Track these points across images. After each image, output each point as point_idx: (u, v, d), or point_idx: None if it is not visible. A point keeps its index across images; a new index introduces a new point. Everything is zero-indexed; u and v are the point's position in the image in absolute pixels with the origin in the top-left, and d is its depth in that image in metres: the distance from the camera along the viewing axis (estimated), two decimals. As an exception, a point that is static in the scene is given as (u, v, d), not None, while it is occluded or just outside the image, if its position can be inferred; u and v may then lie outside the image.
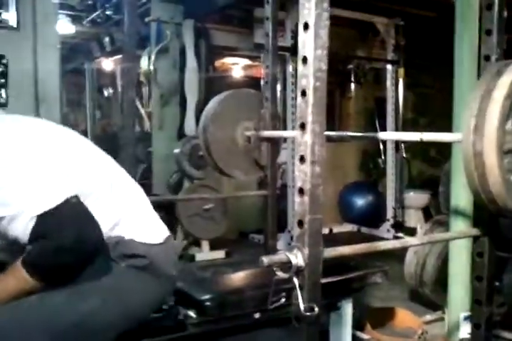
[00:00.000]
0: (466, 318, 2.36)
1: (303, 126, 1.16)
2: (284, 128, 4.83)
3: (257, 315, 1.91)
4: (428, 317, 3.23)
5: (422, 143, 6.07)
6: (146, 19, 5.31)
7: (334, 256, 1.26)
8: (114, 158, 1.74)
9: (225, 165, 2.64)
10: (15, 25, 3.17)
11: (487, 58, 1.63)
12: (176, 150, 4.91)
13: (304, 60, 1.16)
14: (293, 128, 5.13)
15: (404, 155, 6.21)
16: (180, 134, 5.33)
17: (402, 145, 6.14)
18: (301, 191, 1.17)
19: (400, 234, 5.77)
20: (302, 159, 1.17)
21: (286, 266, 1.15)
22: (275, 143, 2.72)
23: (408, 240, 1.76)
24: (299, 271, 1.15)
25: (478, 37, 1.78)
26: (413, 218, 6.19)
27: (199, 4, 5.28)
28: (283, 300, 1.45)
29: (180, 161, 4.90)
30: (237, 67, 7.87)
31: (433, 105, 6.74)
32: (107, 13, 6.14)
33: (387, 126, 6.03)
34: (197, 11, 5.38)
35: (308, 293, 1.16)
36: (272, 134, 2.63)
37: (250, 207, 5.33)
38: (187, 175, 4.99)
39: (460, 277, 2.53)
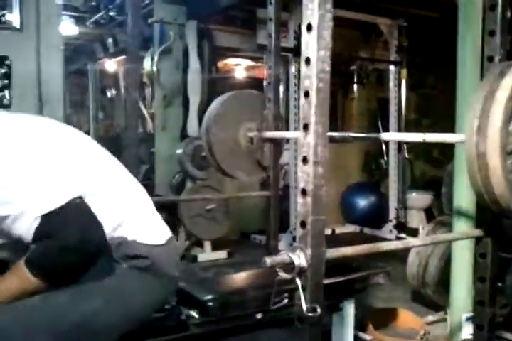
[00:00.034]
0: (468, 319, 2.35)
1: (306, 127, 1.17)
2: (287, 129, 4.83)
3: (259, 316, 1.91)
4: (430, 317, 3.23)
5: (424, 144, 6.08)
6: (149, 20, 5.31)
7: (337, 257, 1.26)
8: (117, 159, 1.74)
9: (227, 165, 2.64)
10: (18, 27, 3.17)
11: (490, 59, 1.63)
12: (179, 151, 4.92)
13: (307, 61, 1.16)
14: (295, 129, 5.13)
15: (406, 155, 6.21)
16: (183, 135, 5.33)
17: (405, 146, 6.14)
18: (303, 192, 1.17)
19: (403, 235, 5.77)
20: (305, 160, 1.17)
21: (289, 266, 1.15)
22: (278, 144, 2.72)
23: (410, 241, 1.77)
24: (301, 272, 1.15)
25: (481, 38, 1.78)
26: (415, 219, 6.18)
27: (202, 5, 5.29)
28: (285, 300, 1.45)
29: (182, 162, 4.90)
30: (239, 68, 7.87)
31: (436, 106, 6.72)
32: (111, 14, 6.15)
33: (389, 126, 6.02)
34: (200, 12, 5.38)
35: (310, 294, 1.16)
36: (274, 135, 2.63)
37: (252, 208, 5.33)
38: (189, 175, 4.99)
39: (462, 278, 2.53)
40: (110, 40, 6.88)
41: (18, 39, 3.16)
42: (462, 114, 2.43)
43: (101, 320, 1.49)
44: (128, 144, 3.30)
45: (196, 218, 4.68)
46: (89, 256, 1.45)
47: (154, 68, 5.24)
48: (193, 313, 1.82)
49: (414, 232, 5.45)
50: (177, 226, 4.64)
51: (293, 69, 5.39)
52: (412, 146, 6.31)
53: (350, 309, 2.27)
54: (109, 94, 9.19)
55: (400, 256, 3.09)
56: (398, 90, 6.00)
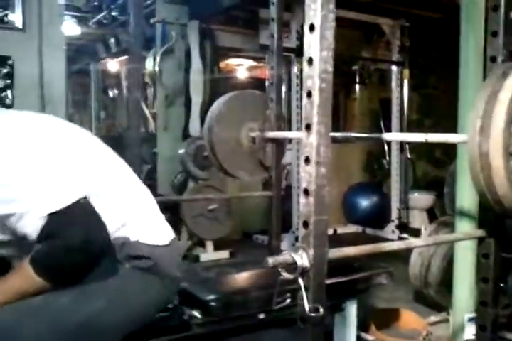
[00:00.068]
0: (470, 320, 2.35)
1: (308, 127, 1.17)
2: (289, 129, 4.83)
3: (261, 316, 1.91)
4: (433, 318, 3.22)
5: (426, 144, 6.07)
6: (152, 20, 5.32)
7: (339, 257, 1.26)
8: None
9: (229, 165, 2.64)
10: (21, 27, 3.18)
11: (493, 59, 1.63)
12: (181, 151, 4.92)
13: (310, 61, 1.16)
14: (298, 129, 5.13)
15: (408, 156, 6.20)
16: (185, 135, 5.33)
17: (407, 146, 6.14)
18: (306, 192, 1.17)
19: (405, 235, 5.76)
20: (307, 160, 1.17)
21: (291, 266, 1.15)
22: (280, 144, 2.72)
23: (413, 241, 1.77)
24: (304, 272, 1.15)
25: (483, 38, 1.78)
26: (418, 219, 6.18)
27: (204, 5, 5.29)
28: (288, 300, 1.45)
29: (184, 162, 4.90)
30: (242, 68, 7.88)
31: (438, 106, 6.72)
32: (113, 14, 6.16)
33: (392, 127, 6.02)
34: (202, 12, 5.38)
35: (313, 294, 1.16)
36: (276, 135, 2.63)
37: (254, 208, 5.33)
38: (191, 175, 5.00)
39: (465, 278, 2.53)
40: (112, 40, 6.90)
41: (21, 39, 3.17)
42: (464, 115, 2.43)
43: (104, 320, 1.49)
44: (130, 144, 3.30)
45: (198, 218, 4.68)
46: (93, 257, 1.45)
47: (156, 68, 5.25)
48: (196, 313, 1.82)
49: (416, 232, 5.45)
50: (179, 226, 4.65)
51: (295, 69, 5.39)
52: (415, 146, 6.31)
53: (352, 309, 2.27)
54: (111, 94, 9.20)
55: (402, 256, 3.09)
56: (400, 90, 6.00)
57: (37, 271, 1.40)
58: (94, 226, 1.45)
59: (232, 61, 7.40)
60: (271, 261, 1.14)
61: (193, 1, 5.37)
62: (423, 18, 5.70)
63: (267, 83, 2.85)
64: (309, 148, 1.16)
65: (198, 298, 1.87)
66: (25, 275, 1.42)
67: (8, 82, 3.17)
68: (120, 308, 1.53)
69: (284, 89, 5.52)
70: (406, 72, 5.98)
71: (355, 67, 6.74)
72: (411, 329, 3.13)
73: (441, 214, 5.34)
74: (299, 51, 5.20)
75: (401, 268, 3.18)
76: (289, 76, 5.59)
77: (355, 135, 2.80)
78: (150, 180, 5.46)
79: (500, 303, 1.66)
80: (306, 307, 1.14)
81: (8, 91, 3.15)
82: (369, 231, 6.24)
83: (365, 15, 5.74)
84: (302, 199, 1.18)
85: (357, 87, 6.94)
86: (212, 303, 1.84)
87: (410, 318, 3.21)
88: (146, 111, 5.53)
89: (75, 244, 1.39)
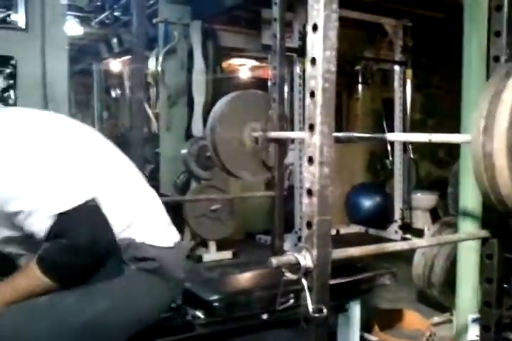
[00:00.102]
0: (474, 320, 2.35)
1: (311, 128, 1.16)
2: (292, 130, 4.83)
3: (264, 316, 1.91)
4: (436, 319, 3.22)
5: (430, 144, 6.06)
6: (154, 20, 5.31)
7: (343, 258, 1.25)
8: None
9: (232, 166, 2.64)
10: (23, 27, 3.19)
11: (496, 59, 1.62)
12: (184, 151, 4.92)
13: (313, 61, 1.16)
14: (300, 129, 5.13)
15: (411, 156, 6.20)
16: (188, 135, 5.33)
17: (410, 146, 6.13)
18: (309, 192, 1.17)
19: (408, 236, 5.76)
20: (311, 160, 1.16)
21: (295, 267, 1.15)
22: (283, 144, 2.71)
23: (416, 241, 1.76)
24: (307, 272, 1.15)
25: (486, 38, 1.77)
26: (421, 219, 6.17)
27: (207, 5, 5.29)
28: (291, 301, 1.45)
29: (187, 162, 4.90)
30: (244, 68, 7.88)
31: (441, 106, 6.71)
32: (115, 14, 6.16)
33: (394, 127, 6.02)
34: (204, 12, 5.38)
35: (316, 295, 1.15)
36: (279, 135, 2.62)
37: (257, 208, 5.33)
38: (194, 175, 5.00)
39: (468, 279, 2.52)
40: (115, 40, 6.90)
41: (24, 39, 3.18)
42: (468, 115, 2.42)
43: (109, 320, 1.50)
44: (133, 144, 3.30)
45: (201, 218, 4.68)
46: (98, 258, 1.46)
47: (159, 68, 5.25)
48: (199, 313, 1.82)
49: (419, 233, 5.44)
50: (182, 226, 4.65)
51: (297, 69, 5.39)
52: (418, 146, 6.30)
53: (355, 310, 2.26)
54: (113, 94, 9.21)
55: (406, 256, 3.08)
56: (403, 90, 5.99)
57: (43, 270, 1.41)
58: (101, 227, 1.45)
59: (234, 61, 7.40)
60: (274, 261, 1.13)
61: (196, 1, 5.37)
62: (426, 18, 5.69)
63: (269, 83, 2.84)
64: (312, 148, 1.16)
65: (201, 298, 1.87)
66: (31, 275, 1.42)
67: (11, 82, 3.17)
68: (125, 309, 1.53)
69: (286, 89, 5.52)
70: (409, 72, 5.97)
71: (358, 67, 6.73)
72: (414, 329, 3.13)
73: (444, 214, 5.34)
74: (301, 51, 5.19)
75: (404, 269, 3.18)
76: (291, 76, 5.59)
77: (358, 135, 2.79)
78: (153, 180, 5.45)
79: (504, 304, 1.65)
80: (310, 307, 1.14)
81: (11, 92, 3.16)
82: (372, 231, 6.23)
83: (368, 15, 5.74)
84: (305, 200, 1.18)
85: (359, 87, 6.93)
86: (216, 303, 1.84)
87: (413, 319, 3.20)
88: (149, 111, 5.53)
89: (82, 244, 1.40)
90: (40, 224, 1.39)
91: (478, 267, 2.41)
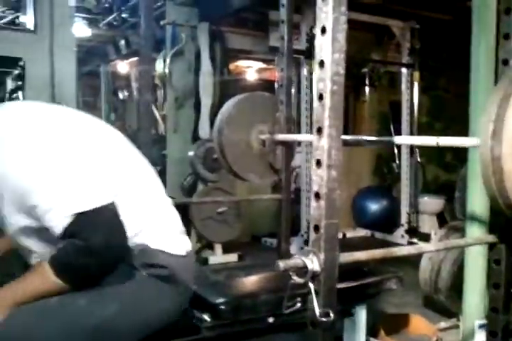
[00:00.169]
0: (481, 326, 2.33)
1: (319, 130, 1.16)
2: (298, 132, 4.82)
3: (271, 320, 1.90)
4: (443, 324, 3.20)
5: (437, 148, 6.03)
6: (162, 22, 5.32)
7: (350, 262, 1.25)
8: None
9: (239, 168, 2.63)
10: (32, 28, 3.20)
11: (505, 62, 1.61)
12: (190, 153, 4.92)
13: (321, 63, 1.15)
14: (307, 131, 5.12)
15: (419, 159, 6.17)
16: (195, 137, 5.34)
17: (417, 149, 6.11)
18: (317, 195, 1.16)
19: (414, 240, 5.73)
20: (319, 163, 1.16)
21: (302, 270, 1.14)
22: (290, 147, 2.71)
23: (424, 246, 1.75)
24: (314, 276, 1.14)
25: (495, 41, 1.76)
26: (427, 223, 6.14)
27: (214, 7, 5.29)
28: (298, 304, 1.44)
29: (194, 164, 4.90)
30: (251, 70, 7.88)
31: (448, 109, 6.69)
32: (123, 16, 6.17)
33: (402, 130, 5.99)
34: (212, 14, 5.39)
35: (323, 299, 1.15)
36: (286, 138, 2.62)
37: (263, 211, 5.33)
38: (201, 177, 5.00)
39: (475, 284, 2.50)
40: (122, 42, 6.91)
41: (32, 41, 3.19)
42: (476, 118, 2.41)
43: (119, 324, 1.50)
44: (140, 146, 3.29)
45: (207, 220, 4.68)
46: (110, 261, 1.46)
47: (166, 70, 5.25)
48: (205, 316, 1.81)
49: (426, 237, 5.42)
50: (188, 228, 4.64)
51: (305, 71, 5.38)
52: (425, 150, 6.28)
53: (362, 314, 2.25)
54: (121, 96, 9.22)
55: (412, 260, 3.07)
56: (410, 93, 5.97)
57: (55, 270, 1.41)
58: (117, 232, 1.46)
59: (241, 63, 7.40)
60: (281, 264, 1.13)
61: (203, 3, 5.38)
62: (433, 20, 5.67)
63: (276, 85, 2.84)
64: (320, 151, 1.15)
65: (207, 301, 1.86)
66: (44, 276, 1.43)
67: (20, 83, 3.18)
68: (135, 313, 1.53)
69: (293, 91, 5.51)
70: (416, 74, 5.95)
71: (365, 70, 6.71)
72: (420, 334, 3.11)
73: (451, 218, 5.32)
74: (308, 53, 5.20)
75: (410, 273, 3.16)
76: (298, 78, 5.58)
77: (366, 138, 2.78)
78: (159, 182, 5.45)
79: (511, 310, 1.64)
80: (317, 311, 1.13)
81: (20, 93, 3.17)
82: (378, 235, 6.21)
83: (375, 17, 5.72)
84: (313, 203, 1.17)
85: (367, 89, 6.91)
86: (222, 306, 1.84)
87: (420, 324, 3.19)
88: (156, 113, 5.53)
89: (96, 246, 1.40)
90: (57, 222, 1.40)
91: (485, 272, 2.39)
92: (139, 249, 1.54)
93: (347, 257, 1.24)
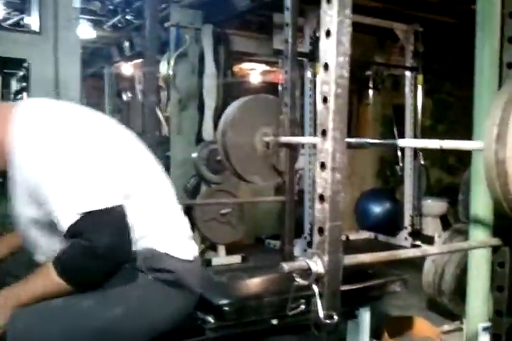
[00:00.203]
0: (485, 329, 2.32)
1: (324, 133, 1.16)
2: (302, 134, 4.82)
3: (274, 321, 1.90)
4: (446, 327, 3.19)
5: (440, 151, 6.02)
6: (166, 24, 5.33)
7: (354, 264, 1.25)
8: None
9: (243, 170, 2.64)
10: (37, 30, 3.20)
11: (509, 66, 1.62)
12: (194, 155, 4.93)
13: (326, 66, 1.16)
14: (310, 134, 5.12)
15: (422, 162, 6.16)
16: (198, 139, 5.35)
17: (420, 152, 6.10)
18: (321, 198, 1.17)
19: (418, 243, 5.72)
20: (323, 166, 1.16)
21: (306, 272, 1.15)
22: (293, 149, 2.71)
23: (428, 249, 1.76)
24: (318, 278, 1.15)
25: (499, 44, 1.76)
26: (431, 226, 6.13)
27: (218, 9, 5.30)
28: (302, 306, 1.44)
29: (197, 166, 4.91)
30: (255, 72, 7.88)
31: (452, 112, 6.68)
32: (128, 17, 6.18)
33: (405, 133, 5.99)
34: (216, 17, 5.40)
35: (327, 301, 1.15)
36: (290, 140, 2.62)
37: (267, 213, 5.33)
38: (204, 179, 5.00)
39: (479, 287, 2.50)
40: (127, 44, 6.93)
41: (37, 42, 3.20)
42: (480, 122, 2.41)
43: (122, 327, 1.50)
44: (147, 147, 3.30)
45: (211, 222, 4.68)
46: (112, 264, 1.47)
47: (170, 72, 5.26)
48: (209, 318, 1.82)
49: (429, 240, 5.42)
50: (191, 230, 4.64)
51: (308, 74, 5.39)
52: (428, 153, 6.27)
53: (365, 316, 2.25)
54: (124, 97, 9.24)
55: (415, 263, 3.07)
56: (414, 96, 5.96)
57: (58, 271, 1.42)
58: (121, 235, 1.47)
59: (245, 65, 7.41)
60: (286, 266, 1.13)
61: (207, 6, 5.38)
62: (437, 23, 5.67)
63: (280, 87, 2.84)
64: (325, 154, 1.16)
65: (211, 302, 1.86)
66: (47, 277, 1.43)
67: (24, 84, 3.19)
68: (139, 317, 1.53)
69: (297, 93, 5.51)
70: (420, 77, 5.94)
71: (369, 73, 6.71)
72: (424, 337, 3.10)
73: (455, 221, 5.31)
74: (312, 56, 5.20)
75: (414, 276, 3.16)
76: (301, 81, 5.58)
77: (370, 141, 2.78)
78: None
79: (515, 313, 1.64)
80: (321, 313, 1.14)
81: (24, 94, 3.17)
82: (381, 237, 6.20)
83: (379, 20, 5.71)
84: (317, 205, 1.18)
85: (370, 92, 6.90)
86: (226, 308, 1.84)
87: (423, 326, 3.18)
88: (160, 114, 5.54)
89: (98, 247, 1.41)
90: (64, 218, 1.41)
91: (489, 275, 2.39)
92: (146, 252, 1.55)
93: (351, 259, 1.24)
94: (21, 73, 3.19)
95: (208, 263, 4.73)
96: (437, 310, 3.45)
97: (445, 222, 6.03)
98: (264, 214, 5.39)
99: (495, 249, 1.63)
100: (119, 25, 6.39)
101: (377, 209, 6.26)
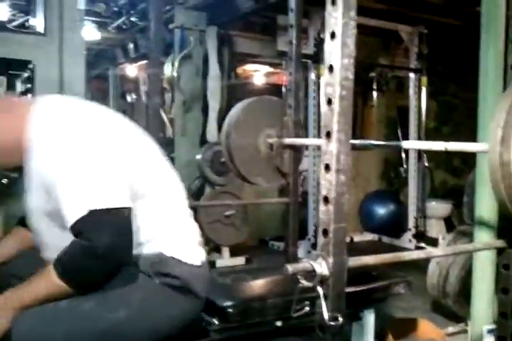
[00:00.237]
0: (489, 331, 2.32)
1: (328, 135, 1.16)
2: (306, 136, 4.82)
3: (279, 323, 1.90)
4: (451, 329, 3.18)
5: (445, 153, 6.00)
6: (170, 26, 5.34)
7: (358, 266, 1.25)
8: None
9: (247, 171, 2.64)
10: (42, 31, 3.21)
11: (514, 68, 1.61)
12: (198, 157, 4.93)
13: (331, 68, 1.16)
14: (314, 135, 5.12)
15: (426, 164, 6.15)
16: (202, 140, 5.35)
17: (425, 154, 6.09)
18: (325, 200, 1.16)
19: (422, 244, 5.71)
20: (327, 168, 1.16)
21: (311, 274, 1.15)
22: (297, 151, 2.71)
23: (432, 251, 1.75)
24: (323, 280, 1.15)
25: (504, 46, 1.76)
26: (435, 228, 6.12)
27: (222, 11, 5.31)
28: (306, 308, 1.44)
29: (202, 167, 4.91)
30: (259, 74, 7.89)
31: (456, 114, 6.67)
32: (132, 19, 6.20)
33: (409, 134, 5.98)
34: (220, 18, 5.41)
35: (332, 303, 1.15)
36: (294, 142, 2.62)
37: (270, 214, 5.33)
38: (208, 181, 5.01)
39: (484, 289, 2.49)
40: (131, 46, 6.94)
41: (42, 44, 3.20)
42: (484, 124, 2.40)
43: (126, 330, 1.50)
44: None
45: (215, 224, 4.68)
46: (112, 265, 1.46)
47: (174, 74, 5.26)
48: (213, 319, 1.82)
49: (433, 242, 5.40)
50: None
51: (312, 75, 5.39)
52: (432, 155, 6.25)
53: (370, 318, 2.24)
54: (129, 99, 9.25)
55: (420, 265, 3.06)
56: (418, 98, 5.95)
57: (59, 273, 1.41)
58: (122, 236, 1.46)
59: (249, 67, 7.42)
60: (290, 268, 1.13)
61: (212, 7, 5.39)
62: (442, 25, 5.66)
63: (284, 89, 2.85)
64: (329, 155, 1.16)
65: (215, 304, 1.86)
66: (48, 278, 1.43)
67: (29, 86, 3.20)
68: (143, 319, 1.53)
69: (301, 95, 5.51)
70: (424, 79, 5.93)
71: (373, 74, 6.70)
72: (428, 339, 3.10)
73: (459, 223, 5.30)
74: (316, 57, 5.20)
75: (418, 277, 3.15)
76: (305, 82, 5.58)
77: (374, 142, 2.78)
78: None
79: (520, 315, 1.63)
80: (325, 315, 1.14)
81: (29, 96, 3.17)
82: (385, 239, 6.19)
83: (383, 22, 5.71)
84: (322, 207, 1.18)
85: (374, 94, 6.89)
86: (230, 310, 1.84)
87: (428, 328, 3.17)
88: (164, 116, 5.54)
89: (98, 247, 1.40)
90: (70, 214, 1.42)
91: (493, 277, 2.38)
92: (154, 257, 1.55)
93: (355, 261, 1.24)
94: (26, 74, 3.19)
95: (212, 264, 4.72)
96: (442, 312, 3.44)
97: (449, 223, 6.02)
98: (268, 216, 5.38)
99: (500, 251, 1.62)
100: (124, 26, 6.40)
101: (381, 210, 6.25)
